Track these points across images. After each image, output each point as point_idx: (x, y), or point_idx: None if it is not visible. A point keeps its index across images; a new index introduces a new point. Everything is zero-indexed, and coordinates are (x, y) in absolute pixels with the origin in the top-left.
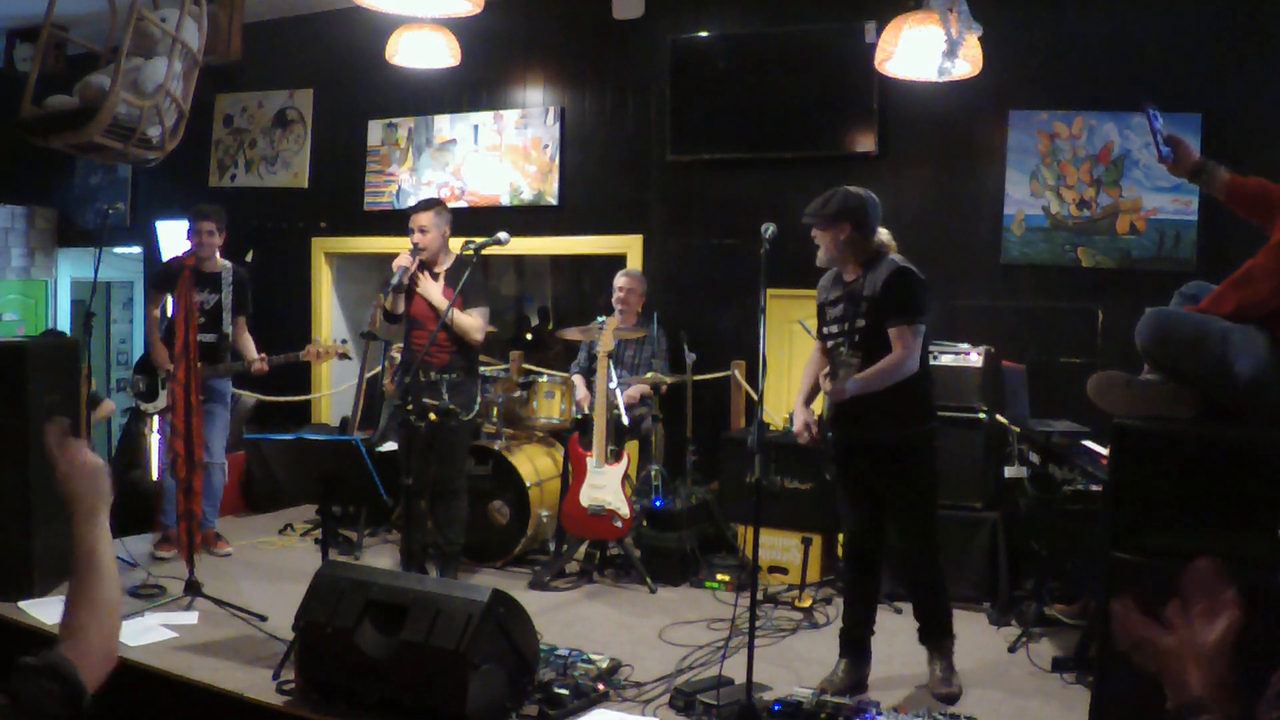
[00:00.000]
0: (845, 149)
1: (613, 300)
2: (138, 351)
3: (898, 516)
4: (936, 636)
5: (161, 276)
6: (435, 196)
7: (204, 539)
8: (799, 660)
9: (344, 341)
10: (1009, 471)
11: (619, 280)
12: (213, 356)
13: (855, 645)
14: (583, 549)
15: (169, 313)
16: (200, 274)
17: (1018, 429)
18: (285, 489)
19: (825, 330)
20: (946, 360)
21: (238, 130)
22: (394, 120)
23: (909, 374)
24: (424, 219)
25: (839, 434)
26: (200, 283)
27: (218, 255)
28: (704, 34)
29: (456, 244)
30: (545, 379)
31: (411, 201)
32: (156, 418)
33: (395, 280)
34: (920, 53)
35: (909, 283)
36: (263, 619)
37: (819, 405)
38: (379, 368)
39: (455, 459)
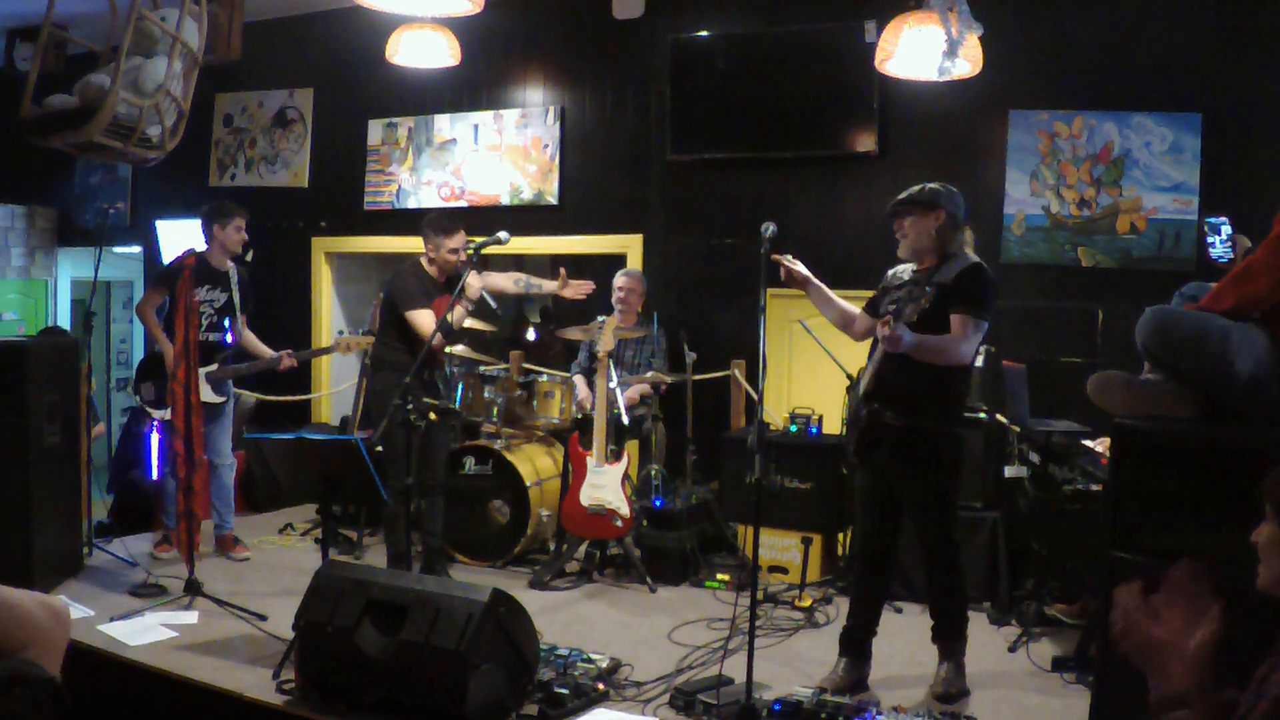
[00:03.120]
0: (845, 149)
1: (613, 300)
2: (138, 352)
3: (914, 514)
4: (948, 637)
5: (173, 272)
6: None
7: (221, 543)
8: (799, 660)
9: (367, 333)
10: (1009, 471)
11: (619, 280)
12: (216, 355)
13: (856, 645)
14: (583, 549)
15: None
16: (211, 271)
17: (1018, 429)
18: (285, 489)
19: (884, 308)
20: None
21: (238, 130)
22: (394, 120)
23: (959, 362)
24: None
25: (868, 415)
26: (211, 280)
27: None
28: (704, 34)
29: None
30: (545, 379)
31: (411, 202)
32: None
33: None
34: (920, 52)
35: (984, 279)
36: (263, 619)
37: (841, 391)
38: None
39: (445, 455)
